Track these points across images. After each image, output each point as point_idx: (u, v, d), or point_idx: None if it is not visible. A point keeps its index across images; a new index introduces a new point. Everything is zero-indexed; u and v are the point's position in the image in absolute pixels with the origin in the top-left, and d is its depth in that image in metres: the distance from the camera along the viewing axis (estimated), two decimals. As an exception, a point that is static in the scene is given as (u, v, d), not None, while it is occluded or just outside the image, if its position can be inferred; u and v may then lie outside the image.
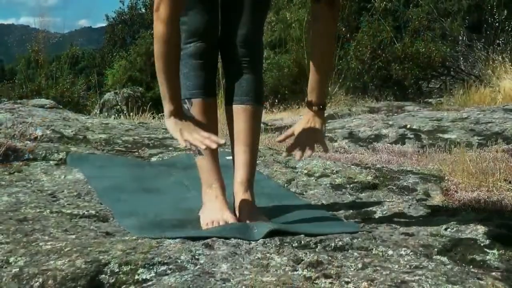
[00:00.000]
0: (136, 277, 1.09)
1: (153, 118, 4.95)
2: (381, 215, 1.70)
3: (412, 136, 3.69)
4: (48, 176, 2.03)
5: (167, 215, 1.57)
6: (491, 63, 6.70)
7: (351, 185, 2.06)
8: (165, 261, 1.15)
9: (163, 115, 1.45)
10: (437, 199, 1.93)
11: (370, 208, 1.77)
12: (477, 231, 1.45)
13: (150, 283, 1.07)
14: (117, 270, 1.10)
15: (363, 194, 2.00)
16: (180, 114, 1.41)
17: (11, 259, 1.13)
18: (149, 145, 2.72)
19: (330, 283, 1.07)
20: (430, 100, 7.18)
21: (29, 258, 1.13)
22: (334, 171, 2.21)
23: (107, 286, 1.07)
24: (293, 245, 1.32)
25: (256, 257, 1.21)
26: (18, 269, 1.08)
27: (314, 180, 2.11)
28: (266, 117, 5.76)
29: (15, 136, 2.56)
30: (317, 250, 1.30)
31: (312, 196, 1.93)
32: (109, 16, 18.63)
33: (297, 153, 1.50)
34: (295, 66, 8.23)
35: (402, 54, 7.53)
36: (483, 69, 6.92)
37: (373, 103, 6.63)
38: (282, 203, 1.78)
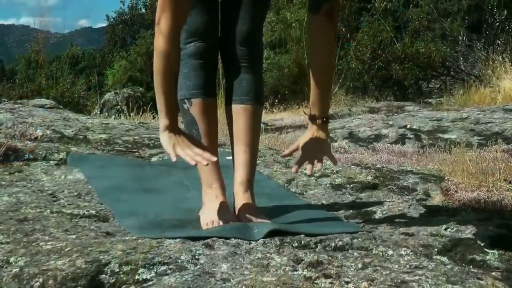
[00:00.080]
0: (137, 277, 1.09)
1: (153, 118, 4.96)
2: (381, 215, 1.71)
3: (412, 136, 3.69)
4: (48, 176, 2.03)
5: (167, 215, 1.58)
6: (491, 63, 6.70)
7: (351, 185, 2.07)
8: (165, 261, 1.15)
9: None
10: (437, 199, 1.93)
11: (370, 208, 1.77)
12: (477, 231, 1.45)
13: (150, 283, 1.07)
14: (117, 270, 1.10)
15: (363, 194, 2.00)
16: (175, 129, 1.39)
17: (12, 259, 1.13)
18: (149, 145, 2.72)
19: (330, 283, 1.07)
20: (430, 100, 7.18)
21: (29, 258, 1.13)
22: (334, 171, 2.21)
23: (107, 286, 1.07)
24: (293, 245, 1.32)
25: (256, 257, 1.21)
26: (18, 269, 1.08)
27: (314, 180, 2.11)
28: (266, 117, 5.76)
29: (16, 136, 2.56)
30: (317, 250, 1.30)
31: (312, 196, 1.93)
32: (109, 16, 18.64)
33: (308, 167, 1.49)
34: (295, 66, 8.23)
35: (402, 54, 7.53)
36: (483, 69, 6.92)
37: (373, 103, 6.63)
38: (282, 203, 1.78)
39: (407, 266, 1.20)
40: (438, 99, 7.21)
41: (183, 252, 1.19)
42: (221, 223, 1.47)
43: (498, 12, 7.85)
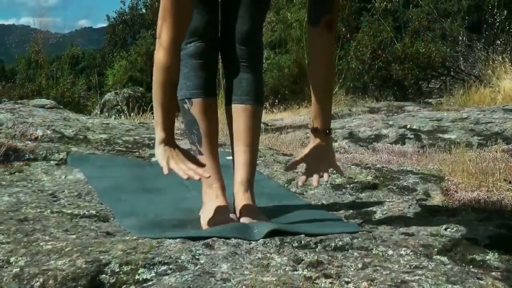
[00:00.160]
0: (137, 277, 1.09)
1: (153, 118, 4.95)
2: (381, 215, 1.71)
3: (412, 136, 3.69)
4: (48, 176, 2.04)
5: (168, 215, 1.58)
6: (491, 63, 6.70)
7: (351, 185, 2.07)
8: (166, 261, 1.15)
9: None
10: (437, 199, 1.93)
11: (370, 208, 1.77)
12: (477, 231, 1.45)
13: (150, 283, 1.07)
14: (117, 270, 1.10)
15: (363, 194, 2.00)
16: (171, 142, 1.39)
17: (12, 259, 1.13)
18: (150, 145, 2.72)
19: (330, 283, 1.07)
20: (430, 100, 7.18)
21: (29, 258, 1.13)
22: (334, 171, 2.21)
23: (107, 286, 1.07)
24: (293, 245, 1.32)
25: (257, 257, 1.21)
26: (18, 269, 1.08)
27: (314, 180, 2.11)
28: (267, 117, 5.76)
29: (16, 136, 2.57)
30: (317, 250, 1.31)
31: (312, 196, 1.93)
32: (109, 16, 18.64)
33: (314, 179, 1.48)
34: (295, 66, 8.23)
35: (402, 54, 7.53)
36: (483, 69, 6.92)
37: (373, 103, 6.63)
38: (282, 203, 1.78)
39: (407, 266, 1.20)
40: (438, 99, 7.21)
41: (183, 252, 1.20)
42: (221, 223, 1.47)
43: (498, 12, 7.85)
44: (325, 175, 1.50)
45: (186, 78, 1.55)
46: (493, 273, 1.18)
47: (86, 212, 1.58)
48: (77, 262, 1.10)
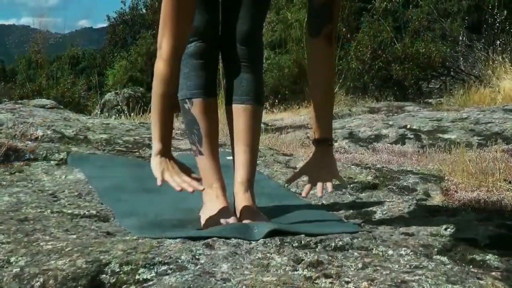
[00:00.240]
0: (137, 277, 1.09)
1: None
2: (381, 215, 1.71)
3: (412, 136, 3.69)
4: (49, 176, 2.04)
5: (168, 215, 1.58)
6: (491, 63, 6.70)
7: (351, 185, 2.07)
8: (166, 261, 1.15)
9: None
10: (437, 199, 1.93)
11: (370, 208, 1.78)
12: (477, 231, 1.45)
13: (150, 283, 1.07)
14: (117, 270, 1.10)
15: (363, 194, 2.00)
16: (167, 154, 1.38)
17: (12, 259, 1.13)
18: (150, 145, 2.72)
19: (331, 283, 1.08)
20: (430, 100, 7.18)
21: (30, 258, 1.13)
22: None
23: (107, 286, 1.07)
24: (294, 245, 1.32)
25: (257, 257, 1.21)
26: (19, 269, 1.08)
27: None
28: (267, 117, 5.76)
29: (16, 136, 2.57)
30: (317, 250, 1.31)
31: (312, 196, 1.93)
32: (110, 16, 18.64)
33: (318, 189, 1.47)
34: (296, 66, 8.23)
35: (402, 55, 7.53)
36: (483, 69, 6.92)
37: (373, 103, 6.63)
38: (282, 203, 1.78)
39: (407, 266, 1.20)
40: (438, 99, 7.21)
41: (184, 252, 1.20)
42: (221, 223, 1.47)
43: (498, 13, 7.85)
44: (329, 184, 1.48)
45: (187, 78, 1.55)
46: (493, 273, 1.19)
47: (87, 212, 1.58)
48: (77, 262, 1.10)
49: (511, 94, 5.79)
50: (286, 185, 2.08)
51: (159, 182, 1.36)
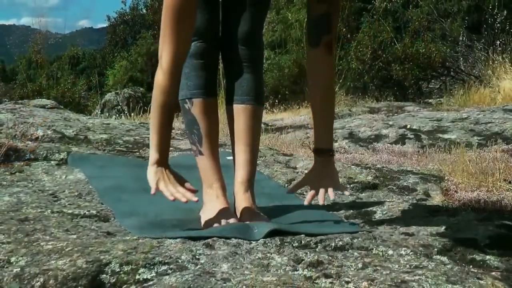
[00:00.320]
0: (137, 276, 1.09)
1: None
2: (381, 215, 1.71)
3: (412, 136, 3.69)
4: (49, 176, 2.04)
5: (168, 215, 1.58)
6: (491, 63, 6.70)
7: (351, 185, 2.07)
8: (166, 261, 1.15)
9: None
10: (437, 199, 1.93)
11: (370, 208, 1.78)
12: (477, 231, 1.45)
13: (151, 282, 1.07)
14: (118, 269, 1.10)
15: (363, 194, 2.00)
16: (164, 164, 1.39)
17: (12, 259, 1.13)
18: (150, 145, 2.72)
19: (331, 282, 1.08)
20: (430, 100, 7.18)
21: (30, 258, 1.14)
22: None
23: (108, 285, 1.07)
24: (294, 245, 1.32)
25: (257, 257, 1.21)
26: (19, 269, 1.08)
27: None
28: (267, 117, 5.77)
29: (16, 136, 2.57)
30: (317, 250, 1.31)
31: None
32: (110, 16, 18.64)
33: (320, 198, 1.46)
34: (296, 66, 8.23)
35: (402, 55, 7.53)
36: (483, 69, 6.92)
37: (373, 103, 6.63)
38: (282, 203, 1.78)
39: (407, 266, 1.20)
40: (438, 99, 7.21)
41: (184, 252, 1.20)
42: (222, 223, 1.47)
43: (498, 13, 7.85)
44: (331, 193, 1.46)
45: (187, 78, 1.55)
46: (493, 273, 1.19)
47: (87, 212, 1.58)
48: (77, 262, 1.10)
49: (511, 94, 5.79)
50: (286, 185, 2.08)
51: (152, 191, 1.37)
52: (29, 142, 2.48)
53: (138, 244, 1.24)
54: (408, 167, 2.53)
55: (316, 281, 1.08)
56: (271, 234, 1.36)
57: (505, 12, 7.95)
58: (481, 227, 1.48)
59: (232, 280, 1.06)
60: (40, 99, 4.42)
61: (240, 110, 1.59)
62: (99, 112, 7.80)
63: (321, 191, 1.47)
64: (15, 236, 1.28)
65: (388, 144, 3.55)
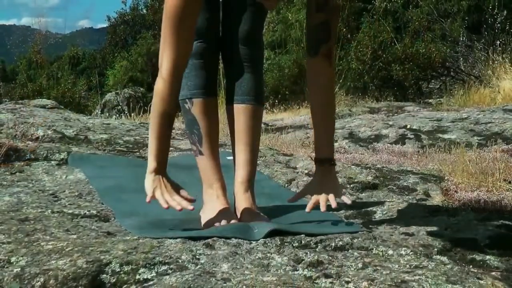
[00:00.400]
0: (137, 276, 1.09)
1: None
2: (381, 215, 1.71)
3: (412, 136, 3.69)
4: (49, 176, 2.04)
5: (168, 215, 1.58)
6: (491, 63, 6.70)
7: (351, 185, 2.07)
8: (166, 260, 1.15)
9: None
10: (437, 199, 1.93)
11: (370, 208, 1.78)
12: (477, 231, 1.45)
13: (151, 282, 1.07)
14: (118, 269, 1.10)
15: (363, 194, 2.00)
16: (161, 173, 1.39)
17: (13, 259, 1.13)
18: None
19: (331, 282, 1.08)
20: (430, 100, 7.18)
21: (30, 258, 1.14)
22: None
23: (108, 285, 1.07)
24: (294, 245, 1.32)
25: (257, 257, 1.22)
26: (19, 269, 1.08)
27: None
28: (267, 117, 5.77)
29: (17, 136, 2.57)
30: (317, 250, 1.31)
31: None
32: (110, 17, 18.64)
33: (321, 205, 1.46)
34: (296, 66, 8.23)
35: (403, 55, 7.53)
36: (483, 69, 6.92)
37: (373, 103, 6.63)
38: (282, 203, 1.78)
39: (407, 266, 1.20)
40: (438, 99, 7.21)
41: (184, 252, 1.20)
42: (222, 223, 1.47)
43: (498, 13, 7.85)
44: (332, 201, 1.46)
45: (187, 78, 1.55)
46: (493, 273, 1.19)
47: (87, 212, 1.58)
48: (78, 262, 1.11)
49: (511, 94, 5.79)
50: (286, 185, 2.09)
51: (148, 199, 1.37)
52: (30, 142, 2.48)
53: (139, 244, 1.24)
54: (408, 167, 2.53)
55: (316, 281, 1.08)
56: (271, 234, 1.36)
57: (505, 12, 7.95)
58: (481, 227, 1.48)
59: (232, 280, 1.07)
60: (40, 99, 4.43)
61: (240, 110, 1.59)
62: (99, 112, 7.81)
63: (323, 199, 1.45)
64: (15, 236, 1.29)
65: (388, 144, 3.55)
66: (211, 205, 1.54)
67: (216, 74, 1.64)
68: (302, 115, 5.51)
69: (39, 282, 1.04)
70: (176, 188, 1.40)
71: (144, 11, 17.25)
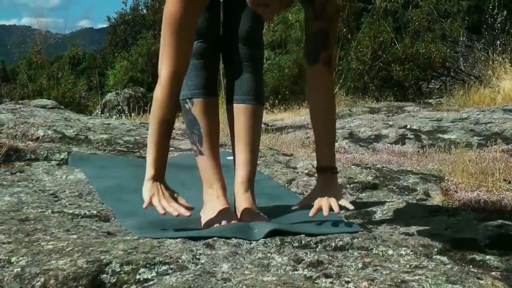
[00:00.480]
0: (138, 276, 1.09)
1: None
2: (381, 215, 1.71)
3: (412, 136, 3.69)
4: (49, 176, 2.04)
5: (168, 215, 1.58)
6: (490, 63, 6.70)
7: (351, 185, 2.07)
8: (166, 260, 1.15)
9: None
10: (437, 199, 1.93)
11: (370, 208, 1.78)
12: (477, 231, 1.46)
13: (151, 282, 1.08)
14: (118, 269, 1.10)
15: (363, 194, 2.00)
16: (160, 180, 1.39)
17: (13, 259, 1.13)
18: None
19: (331, 282, 1.08)
20: (430, 100, 7.18)
21: (30, 258, 1.14)
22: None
23: (108, 285, 1.07)
24: (294, 245, 1.32)
25: (257, 257, 1.22)
26: (20, 269, 1.08)
27: (314, 181, 2.11)
28: (267, 117, 5.77)
29: (17, 136, 2.57)
30: (317, 250, 1.31)
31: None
32: (110, 17, 18.64)
33: (324, 210, 1.45)
34: (296, 66, 8.23)
35: (403, 55, 7.53)
36: (483, 69, 6.92)
37: (373, 103, 6.63)
38: (282, 203, 1.78)
39: (407, 265, 1.20)
40: (438, 99, 7.21)
41: (184, 252, 1.20)
42: (222, 223, 1.47)
43: (498, 13, 7.85)
44: (335, 206, 1.45)
45: (187, 78, 1.55)
46: (493, 273, 1.19)
47: (87, 212, 1.58)
48: (78, 262, 1.11)
49: (511, 94, 5.79)
50: (286, 185, 2.09)
51: (144, 206, 1.37)
52: (30, 142, 2.48)
53: (139, 244, 1.24)
54: (408, 167, 2.53)
55: (316, 281, 1.09)
56: (271, 234, 1.36)
57: (505, 12, 7.96)
58: (481, 227, 1.48)
59: (232, 280, 1.07)
60: (40, 99, 4.43)
61: (240, 110, 1.59)
62: (100, 112, 7.81)
63: (325, 203, 1.45)
64: (15, 236, 1.29)
65: (388, 144, 3.56)
66: (211, 205, 1.54)
67: (217, 74, 1.64)
68: (302, 115, 5.51)
69: (39, 282, 1.04)
70: (173, 195, 1.40)
71: (145, 11, 17.25)
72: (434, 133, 3.75)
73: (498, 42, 7.33)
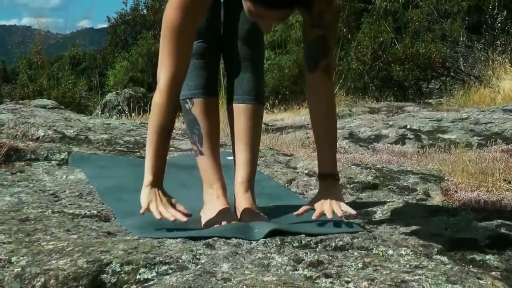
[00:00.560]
0: (138, 276, 1.09)
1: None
2: (381, 215, 1.71)
3: (412, 136, 3.69)
4: (50, 176, 2.04)
5: (168, 215, 1.58)
6: (490, 63, 6.70)
7: (351, 185, 2.07)
8: (167, 260, 1.15)
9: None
10: (437, 199, 1.93)
11: (370, 208, 1.78)
12: (477, 231, 1.46)
13: (151, 282, 1.08)
14: (118, 269, 1.10)
15: (363, 194, 2.00)
16: (158, 186, 1.39)
17: (13, 259, 1.13)
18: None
19: (331, 282, 1.08)
20: (430, 100, 7.18)
21: (31, 258, 1.14)
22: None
23: (108, 285, 1.07)
24: (294, 244, 1.32)
25: (257, 257, 1.22)
26: (20, 269, 1.08)
27: (314, 181, 2.11)
28: (267, 117, 5.77)
29: (17, 136, 2.57)
30: (317, 249, 1.31)
31: (313, 196, 1.93)
32: (110, 17, 18.64)
33: (327, 214, 1.45)
34: (296, 66, 8.24)
35: (403, 55, 7.54)
36: (482, 69, 6.92)
37: (373, 103, 6.63)
38: (282, 203, 1.78)
39: (407, 265, 1.20)
40: (438, 99, 7.21)
41: (184, 252, 1.20)
42: (222, 223, 1.47)
43: (498, 13, 7.86)
44: (338, 211, 1.44)
45: (188, 78, 1.55)
46: (493, 273, 1.19)
47: (88, 212, 1.58)
48: (78, 262, 1.11)
49: (511, 94, 5.79)
50: (286, 185, 2.09)
51: (142, 211, 1.37)
52: (30, 142, 2.48)
53: (139, 244, 1.24)
54: (408, 167, 2.53)
55: (316, 281, 1.09)
56: (271, 234, 1.36)
57: (505, 12, 7.96)
58: (481, 227, 1.48)
59: (232, 280, 1.07)
60: (41, 99, 4.43)
61: (240, 110, 1.60)
62: (100, 112, 7.81)
63: (328, 207, 1.45)
64: (16, 236, 1.29)
65: (388, 144, 3.56)
66: (211, 205, 1.54)
67: (217, 74, 1.64)
68: (302, 115, 5.51)
69: (39, 282, 1.05)
70: (171, 202, 1.40)
71: (145, 11, 17.25)
72: (434, 133, 3.75)
73: (498, 42, 7.34)
